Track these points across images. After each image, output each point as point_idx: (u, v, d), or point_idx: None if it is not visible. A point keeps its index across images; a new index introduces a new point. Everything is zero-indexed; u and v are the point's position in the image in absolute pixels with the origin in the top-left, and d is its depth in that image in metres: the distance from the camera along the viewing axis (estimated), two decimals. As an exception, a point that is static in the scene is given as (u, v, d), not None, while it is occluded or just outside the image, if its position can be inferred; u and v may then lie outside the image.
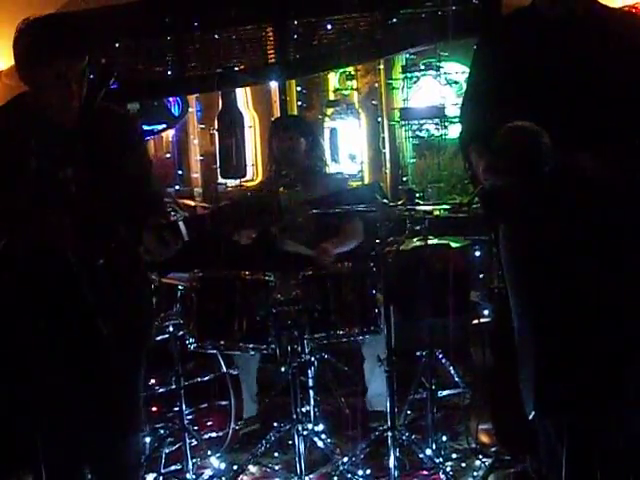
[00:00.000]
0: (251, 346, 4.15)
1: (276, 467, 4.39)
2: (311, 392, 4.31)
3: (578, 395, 2.86)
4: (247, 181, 6.76)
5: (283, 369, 4.18)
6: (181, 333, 4.28)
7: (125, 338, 3.01)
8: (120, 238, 3.03)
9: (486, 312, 4.56)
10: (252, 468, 4.33)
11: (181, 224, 2.94)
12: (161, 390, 4.43)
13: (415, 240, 4.53)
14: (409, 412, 4.63)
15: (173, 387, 4.27)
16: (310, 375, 4.29)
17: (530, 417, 2.95)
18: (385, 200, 4.03)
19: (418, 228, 4.39)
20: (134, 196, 3.04)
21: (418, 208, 4.22)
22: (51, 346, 3.01)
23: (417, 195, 4.51)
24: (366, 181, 6.52)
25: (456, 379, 4.65)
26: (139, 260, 3.12)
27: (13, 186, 2.93)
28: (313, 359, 4.25)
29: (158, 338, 4.19)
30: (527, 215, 3.00)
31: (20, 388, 3.08)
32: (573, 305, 2.90)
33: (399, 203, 4.10)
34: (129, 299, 3.12)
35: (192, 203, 5.47)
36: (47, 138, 2.95)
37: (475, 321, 4.38)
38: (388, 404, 4.11)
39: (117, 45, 6.14)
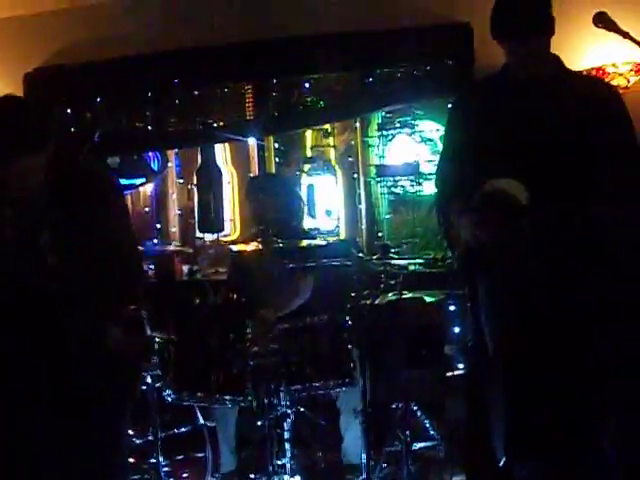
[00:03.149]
0: (228, 398, 4.19)
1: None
2: (287, 445, 4.32)
3: (547, 441, 2.92)
4: (225, 236, 6.82)
5: (260, 422, 4.22)
6: (158, 385, 4.31)
7: (108, 394, 3.04)
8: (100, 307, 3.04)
9: (460, 365, 4.63)
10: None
11: (145, 319, 2.97)
12: (138, 441, 4.44)
13: (390, 294, 4.60)
14: (384, 465, 4.65)
15: (150, 438, 4.30)
16: (286, 428, 4.31)
17: (500, 463, 3.00)
18: (361, 254, 4.12)
19: (393, 282, 4.47)
20: (113, 260, 3.00)
21: (393, 262, 4.31)
22: (34, 398, 3.01)
23: (392, 250, 4.59)
24: (342, 236, 6.59)
25: (431, 431, 4.69)
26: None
27: None
28: (289, 412, 4.29)
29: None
30: (506, 266, 3.08)
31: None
32: (548, 355, 2.98)
33: (374, 257, 4.19)
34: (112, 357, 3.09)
35: (171, 248, 5.53)
36: (21, 204, 2.94)
37: (449, 373, 4.44)
38: (364, 456, 4.15)
39: (98, 100, 6.20)
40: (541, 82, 3.14)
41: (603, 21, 3.13)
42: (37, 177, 2.90)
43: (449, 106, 3.55)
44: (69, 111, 6.00)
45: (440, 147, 6.51)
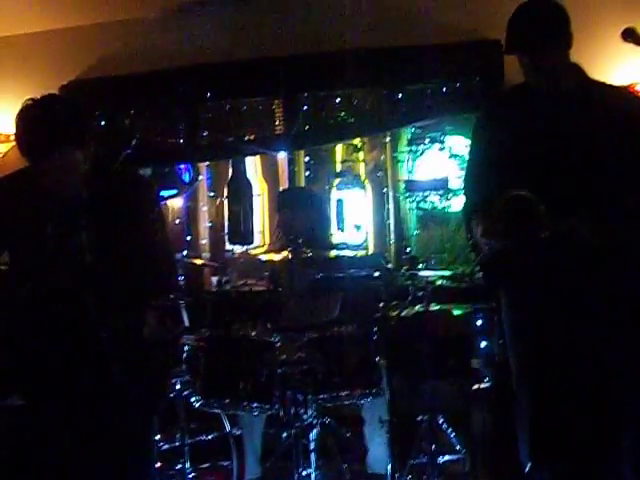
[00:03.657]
0: (255, 405, 4.22)
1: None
2: (312, 455, 4.34)
3: (572, 446, 2.93)
4: (254, 248, 6.87)
5: (286, 433, 4.25)
6: (186, 392, 4.36)
7: (139, 397, 3.09)
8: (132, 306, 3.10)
9: (486, 379, 4.63)
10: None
11: (183, 309, 3.03)
12: (165, 447, 4.48)
13: (417, 306, 4.63)
14: (409, 477, 4.66)
15: (177, 444, 4.33)
16: (312, 438, 4.33)
17: (527, 469, 3.02)
18: (389, 266, 4.15)
19: (420, 294, 4.49)
20: (149, 262, 3.11)
21: (420, 276, 4.33)
22: (66, 399, 3.07)
23: (420, 263, 4.62)
24: (370, 251, 6.62)
25: (456, 445, 4.69)
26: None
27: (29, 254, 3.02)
28: (315, 422, 4.32)
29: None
30: (525, 279, 3.11)
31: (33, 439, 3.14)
32: (571, 363, 2.99)
33: (402, 269, 4.21)
34: (144, 360, 3.16)
35: (200, 262, 5.58)
36: (62, 205, 3.03)
37: (476, 386, 4.45)
38: (389, 468, 4.16)
39: (132, 112, 6.30)
40: (560, 94, 3.16)
41: (632, 36, 3.14)
42: (76, 172, 2.98)
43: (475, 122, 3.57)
44: (103, 123, 6.12)
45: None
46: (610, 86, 3.28)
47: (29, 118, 2.95)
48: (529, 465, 3.01)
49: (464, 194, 3.56)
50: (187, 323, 2.97)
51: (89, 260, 2.95)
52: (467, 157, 3.61)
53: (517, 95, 3.35)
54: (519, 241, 3.01)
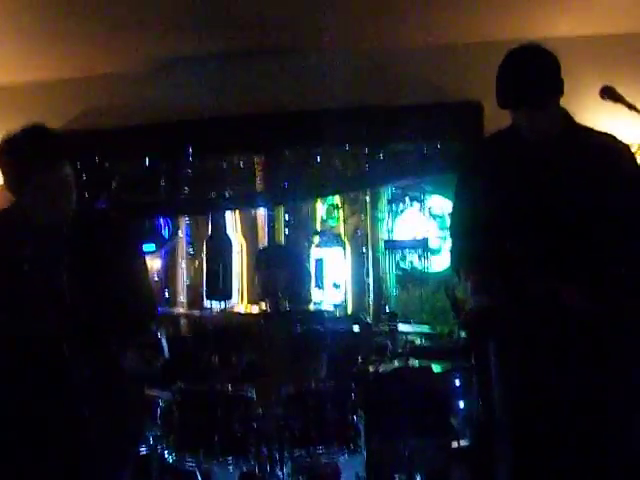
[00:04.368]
0: (230, 459, 4.15)
1: None
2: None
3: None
4: (232, 306, 6.84)
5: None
6: (160, 447, 4.27)
7: (112, 442, 3.03)
8: (112, 344, 3.06)
9: (466, 438, 4.58)
10: None
11: (163, 341, 3.00)
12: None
13: (396, 362, 4.59)
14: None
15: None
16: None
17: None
18: (368, 320, 4.13)
19: (400, 351, 4.46)
20: (128, 300, 3.08)
21: (400, 330, 4.31)
22: (36, 446, 2.99)
23: (398, 319, 4.60)
24: (349, 310, 6.59)
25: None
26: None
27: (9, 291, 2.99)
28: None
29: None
30: (513, 336, 3.07)
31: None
32: (558, 420, 2.95)
33: (382, 322, 4.19)
34: (118, 404, 3.11)
35: (180, 310, 5.54)
36: (40, 243, 3.01)
37: (455, 445, 4.39)
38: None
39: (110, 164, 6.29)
40: (551, 141, 3.11)
41: (609, 94, 3.14)
42: (55, 197, 2.98)
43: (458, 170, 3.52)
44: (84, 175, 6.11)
45: (448, 223, 6.59)
46: (598, 132, 3.24)
47: (11, 145, 2.98)
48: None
49: (452, 247, 3.50)
50: (167, 355, 2.93)
51: (70, 298, 2.91)
52: (453, 210, 3.50)
53: (502, 142, 3.27)
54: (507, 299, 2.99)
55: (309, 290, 5.28)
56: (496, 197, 3.15)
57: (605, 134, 3.19)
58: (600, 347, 2.99)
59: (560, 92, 3.10)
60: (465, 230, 3.28)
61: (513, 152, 3.17)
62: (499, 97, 3.11)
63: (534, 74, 3.06)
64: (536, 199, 3.08)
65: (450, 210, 6.42)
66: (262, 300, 4.56)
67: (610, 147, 3.17)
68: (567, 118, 3.19)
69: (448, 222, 6.61)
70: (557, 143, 3.11)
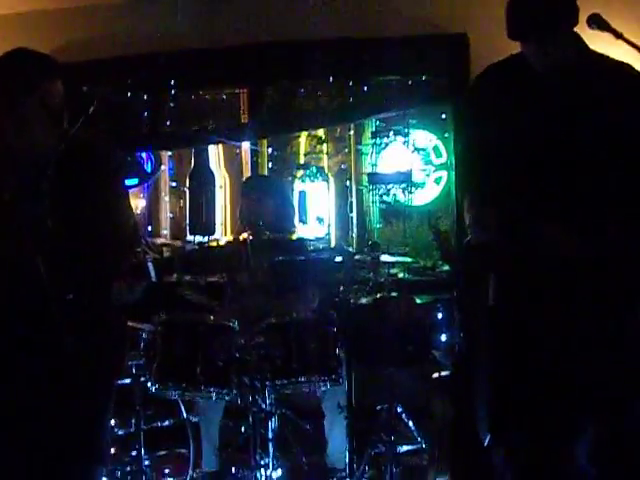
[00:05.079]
0: (212, 390, 4.16)
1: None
2: (271, 445, 4.27)
3: (532, 420, 2.89)
4: (215, 240, 6.82)
5: (244, 424, 4.18)
6: (143, 377, 4.29)
7: (95, 369, 3.02)
8: (94, 273, 3.05)
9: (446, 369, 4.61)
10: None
11: (150, 265, 2.98)
12: (120, 432, 4.41)
13: (378, 294, 4.60)
14: (367, 468, 4.62)
15: (132, 430, 4.27)
16: (271, 428, 4.27)
17: (486, 442, 2.98)
18: (350, 249, 4.12)
19: (382, 281, 4.46)
20: (110, 231, 3.06)
21: (382, 260, 4.30)
22: (18, 373, 2.98)
23: (381, 249, 4.58)
24: (333, 244, 6.60)
25: (415, 435, 4.67)
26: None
27: None
28: (274, 411, 4.26)
29: (120, 382, 4.19)
30: (508, 271, 3.02)
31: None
32: (542, 343, 2.93)
33: (365, 250, 4.18)
34: (100, 332, 3.08)
35: (161, 240, 5.52)
36: (23, 170, 2.96)
37: (435, 375, 4.43)
38: (347, 453, 4.13)
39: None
40: (564, 71, 2.95)
41: (596, 22, 3.04)
42: (36, 124, 2.94)
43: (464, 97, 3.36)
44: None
45: (432, 157, 6.58)
46: (613, 60, 3.04)
47: (11, 61, 2.95)
48: (488, 438, 2.96)
49: (458, 177, 3.38)
50: (155, 279, 2.91)
51: (49, 226, 2.89)
52: (460, 139, 3.35)
53: (512, 71, 3.10)
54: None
55: (293, 220, 5.25)
56: (503, 129, 3.01)
57: (621, 62, 3.06)
58: (598, 291, 2.93)
59: (574, 18, 2.95)
60: (470, 162, 3.19)
61: (523, 82, 3.03)
62: (510, 27, 2.98)
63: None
64: (547, 131, 2.95)
65: (434, 143, 6.48)
66: (245, 230, 4.52)
67: (626, 75, 3.01)
68: (580, 45, 3.04)
69: (432, 156, 6.62)
70: (571, 72, 2.96)
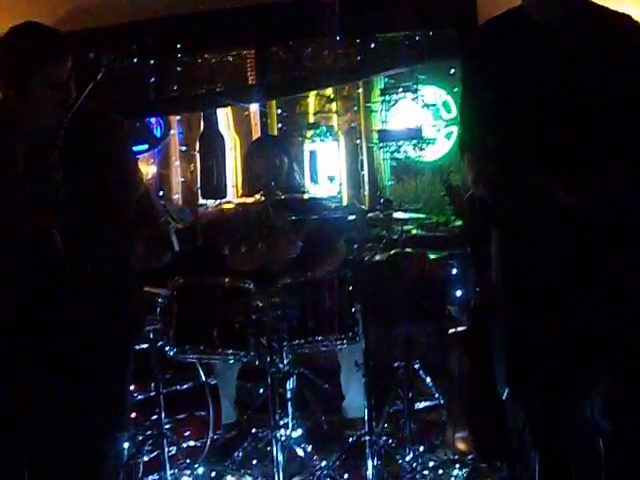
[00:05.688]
0: (230, 352, 4.17)
1: (254, 476, 4.37)
2: (289, 405, 4.30)
3: (550, 371, 2.89)
4: (227, 202, 6.82)
5: (262, 384, 4.20)
6: (160, 341, 4.31)
7: (114, 335, 3.05)
8: (110, 242, 3.06)
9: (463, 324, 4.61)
10: (230, 477, 4.33)
11: (172, 234, 2.98)
12: (140, 397, 4.44)
13: (392, 251, 4.59)
14: (385, 424, 4.64)
15: (152, 394, 4.29)
16: (289, 388, 4.28)
17: (503, 397, 2.99)
18: (363, 207, 4.11)
19: (395, 238, 4.45)
20: (124, 200, 3.08)
21: (395, 217, 4.28)
22: (36, 342, 3.00)
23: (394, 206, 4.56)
24: (344, 202, 6.59)
25: (433, 391, 4.68)
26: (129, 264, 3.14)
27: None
28: (291, 371, 4.27)
29: (138, 347, 4.20)
30: (512, 225, 3.01)
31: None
32: (558, 297, 2.91)
33: (377, 208, 4.16)
34: (119, 298, 3.12)
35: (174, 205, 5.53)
36: (34, 142, 2.95)
37: (452, 330, 4.43)
38: (366, 410, 4.14)
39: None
40: (565, 22, 2.91)
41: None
42: (53, 94, 2.93)
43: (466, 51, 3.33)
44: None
45: (442, 112, 6.53)
46: (614, 12, 3.00)
47: (19, 37, 2.93)
48: (506, 392, 2.97)
49: (459, 133, 3.35)
50: (177, 248, 2.92)
51: (65, 196, 2.89)
52: (461, 94, 3.24)
53: (512, 24, 3.05)
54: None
55: (303, 179, 5.24)
56: (505, 82, 2.98)
57: (621, 13, 3.02)
58: (601, 241, 2.92)
59: None
60: (472, 116, 3.16)
61: (524, 34, 2.99)
62: None
63: None
64: (549, 83, 2.91)
65: (443, 99, 6.42)
66: (256, 190, 4.51)
67: (627, 25, 2.96)
68: None
69: (442, 112, 6.57)
70: (571, 23, 2.92)
